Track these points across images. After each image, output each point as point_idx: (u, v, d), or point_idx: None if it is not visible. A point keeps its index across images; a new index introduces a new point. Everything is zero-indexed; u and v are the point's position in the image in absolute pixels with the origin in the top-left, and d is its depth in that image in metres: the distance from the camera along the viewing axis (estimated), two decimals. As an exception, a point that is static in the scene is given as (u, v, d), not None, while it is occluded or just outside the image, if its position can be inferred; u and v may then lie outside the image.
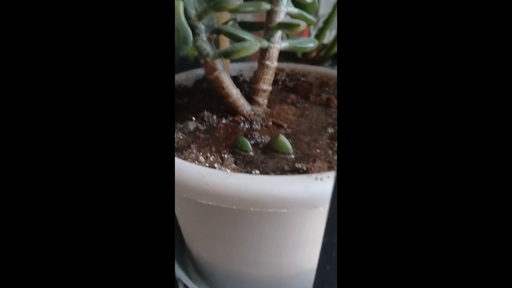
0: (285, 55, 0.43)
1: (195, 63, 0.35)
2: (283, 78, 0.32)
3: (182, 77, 0.31)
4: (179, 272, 0.27)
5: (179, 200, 0.22)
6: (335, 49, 0.42)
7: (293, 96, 0.29)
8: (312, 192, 0.15)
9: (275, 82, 0.32)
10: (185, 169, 0.17)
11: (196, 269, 0.29)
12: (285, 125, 0.24)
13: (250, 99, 0.26)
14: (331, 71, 0.33)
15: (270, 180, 0.16)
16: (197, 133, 0.23)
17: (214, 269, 0.26)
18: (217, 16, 0.32)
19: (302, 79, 0.32)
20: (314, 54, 0.46)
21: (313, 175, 0.16)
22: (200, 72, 0.32)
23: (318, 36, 0.40)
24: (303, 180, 0.15)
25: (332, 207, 0.12)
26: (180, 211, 0.25)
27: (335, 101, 0.27)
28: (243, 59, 0.31)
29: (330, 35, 0.51)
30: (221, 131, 0.23)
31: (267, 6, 0.22)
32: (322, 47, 0.44)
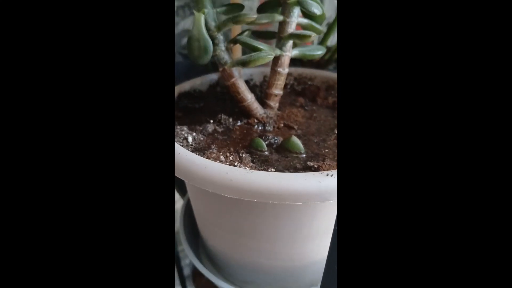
0: (292, 60, 0.45)
1: (208, 69, 0.37)
2: (291, 82, 0.34)
3: (197, 82, 0.33)
4: (196, 263, 0.29)
5: (201, 195, 0.24)
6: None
7: (301, 99, 0.31)
8: (324, 187, 0.17)
9: (284, 86, 0.34)
10: (210, 167, 0.19)
11: (211, 261, 0.31)
12: (295, 127, 0.26)
13: (263, 103, 0.28)
14: (335, 75, 0.35)
15: (286, 176, 0.18)
16: (215, 134, 0.25)
17: (230, 260, 0.28)
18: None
19: (309, 83, 0.34)
20: (319, 58, 0.48)
21: (325, 172, 0.18)
22: (213, 77, 0.34)
23: (323, 40, 0.42)
24: (316, 177, 0.17)
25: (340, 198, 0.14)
26: (200, 206, 0.27)
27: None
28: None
29: (333, 38, 0.53)
30: (237, 132, 0.25)
31: (280, 17, 0.24)
32: (326, 50, 0.46)
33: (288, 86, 0.34)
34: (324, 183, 0.17)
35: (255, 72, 0.36)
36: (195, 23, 0.22)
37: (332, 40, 0.48)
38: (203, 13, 0.22)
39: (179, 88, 0.31)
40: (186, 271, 0.87)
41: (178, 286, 0.90)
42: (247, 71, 0.36)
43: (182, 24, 0.59)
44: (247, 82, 0.34)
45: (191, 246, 0.30)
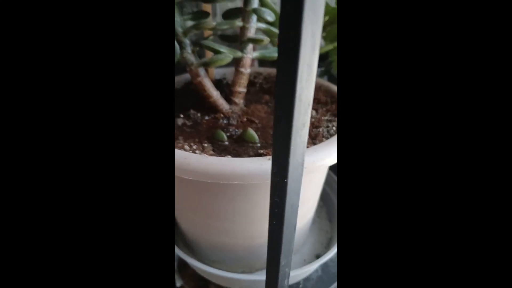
0: (268, 62, 0.48)
1: (182, 68, 0.40)
2: (260, 81, 0.38)
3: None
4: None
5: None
6: None
7: (267, 97, 0.34)
8: (266, 169, 0.20)
9: (253, 84, 0.37)
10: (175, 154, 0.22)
11: (185, 244, 0.34)
12: (256, 121, 0.29)
13: (229, 100, 0.31)
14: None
15: (234, 160, 0.21)
16: (184, 127, 0.28)
17: (199, 242, 0.31)
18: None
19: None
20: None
21: (267, 157, 0.21)
22: (188, 76, 0.37)
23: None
24: (259, 160, 0.21)
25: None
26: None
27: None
28: (227, 64, 0.36)
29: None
30: (204, 126, 0.28)
31: (239, 23, 0.27)
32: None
33: (257, 85, 0.37)
34: (266, 165, 0.20)
35: (228, 72, 0.39)
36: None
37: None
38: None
39: (155, 86, 0.34)
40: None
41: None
42: (220, 71, 0.39)
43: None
44: (219, 80, 0.38)
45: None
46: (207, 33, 0.35)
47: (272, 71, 0.39)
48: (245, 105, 0.32)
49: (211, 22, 0.25)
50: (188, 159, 0.21)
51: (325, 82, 0.36)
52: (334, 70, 0.42)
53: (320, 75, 0.47)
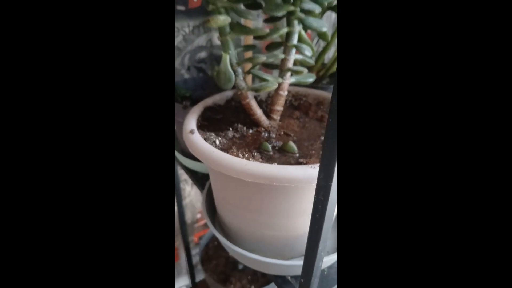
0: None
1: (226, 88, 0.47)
2: (290, 98, 0.44)
3: (217, 98, 0.42)
4: (216, 233, 0.38)
5: (223, 181, 0.33)
6: (332, 69, 0.53)
7: (297, 113, 0.41)
8: (309, 175, 0.27)
9: (284, 101, 0.44)
10: (234, 160, 0.28)
11: (225, 234, 0.41)
12: (292, 134, 0.36)
13: (268, 116, 0.37)
14: (325, 94, 0.44)
15: (284, 167, 0.27)
16: (234, 139, 0.34)
17: (241, 232, 0.37)
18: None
19: (304, 99, 0.44)
20: (314, 73, 0.57)
21: (309, 165, 0.27)
22: (229, 93, 0.44)
23: (318, 58, 0.51)
24: (303, 168, 0.27)
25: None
26: (220, 191, 0.36)
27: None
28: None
29: (327, 56, 0.62)
30: (250, 138, 0.35)
31: (282, 56, 0.34)
32: (321, 67, 0.56)
33: (287, 102, 0.44)
34: (308, 172, 0.27)
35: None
36: (222, 61, 0.32)
37: (327, 57, 0.57)
38: (228, 54, 0.32)
39: (204, 103, 0.41)
40: (195, 259, 0.97)
41: (186, 274, 0.99)
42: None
43: (197, 41, 0.69)
44: (255, 97, 0.44)
45: (212, 222, 0.40)
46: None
47: (300, 89, 0.45)
48: (280, 120, 0.38)
49: (261, 57, 0.31)
50: (248, 165, 0.27)
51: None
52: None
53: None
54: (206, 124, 0.37)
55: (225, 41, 0.31)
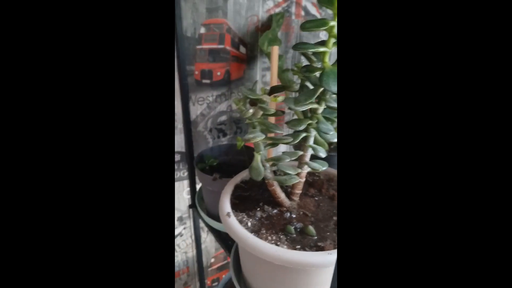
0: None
1: (242, 151, 0.55)
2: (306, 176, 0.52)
3: (244, 175, 0.50)
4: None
5: (251, 257, 0.40)
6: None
7: (312, 190, 0.48)
8: (327, 260, 0.34)
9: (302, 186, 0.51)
10: (266, 246, 0.35)
11: (251, 297, 0.47)
12: (309, 214, 0.43)
13: (289, 197, 0.45)
14: (333, 171, 0.52)
15: (306, 253, 0.34)
16: (262, 219, 0.42)
17: (266, 297, 0.44)
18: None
19: (317, 176, 0.52)
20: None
21: (326, 251, 0.35)
22: (253, 170, 0.52)
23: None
24: (322, 254, 0.34)
25: (335, 269, 0.31)
26: (248, 262, 0.43)
27: (336, 196, 0.46)
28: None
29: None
30: (274, 218, 0.42)
31: (300, 153, 0.42)
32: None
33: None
34: (326, 258, 0.34)
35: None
36: (255, 159, 0.40)
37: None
38: (260, 154, 0.40)
39: (234, 181, 0.49)
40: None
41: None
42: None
43: (219, 107, 0.79)
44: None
45: (237, 280, 0.46)
46: (271, 152, 0.50)
47: (313, 166, 0.53)
48: (299, 199, 0.46)
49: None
50: (278, 252, 0.35)
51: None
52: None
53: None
54: (237, 203, 0.45)
55: (257, 144, 0.40)
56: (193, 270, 0.97)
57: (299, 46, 0.29)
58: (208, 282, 1.04)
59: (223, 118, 0.80)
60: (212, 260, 1.01)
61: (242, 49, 0.73)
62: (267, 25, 0.73)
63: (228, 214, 0.41)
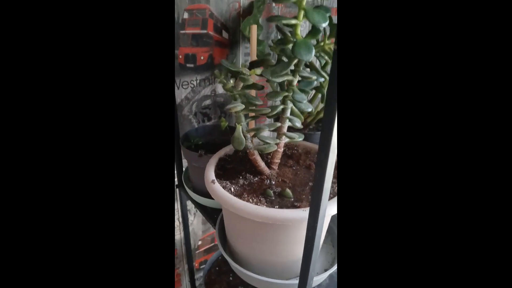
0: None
1: (226, 132, 0.58)
2: (284, 148, 0.56)
3: (227, 150, 0.54)
4: (227, 258, 0.48)
5: (235, 219, 0.44)
6: (319, 116, 0.66)
7: (290, 161, 0.52)
8: (301, 216, 0.38)
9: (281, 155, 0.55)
10: (247, 206, 0.39)
11: (234, 258, 0.50)
12: (287, 181, 0.47)
13: (268, 166, 0.48)
14: (312, 145, 0.56)
15: (283, 210, 0.38)
16: (244, 186, 0.45)
17: (248, 258, 0.47)
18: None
19: (295, 149, 0.56)
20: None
21: (301, 209, 0.38)
22: (236, 145, 0.55)
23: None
24: (297, 211, 0.38)
25: (309, 224, 0.34)
26: (232, 226, 0.46)
27: (313, 166, 0.50)
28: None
29: (314, 104, 0.75)
30: (255, 184, 0.46)
31: (278, 125, 0.45)
32: (308, 115, 0.68)
33: (283, 152, 0.55)
34: (301, 214, 0.38)
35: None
36: (237, 130, 0.43)
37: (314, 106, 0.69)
38: (241, 125, 0.43)
39: (218, 155, 0.52)
40: (198, 282, 1.04)
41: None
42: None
43: (203, 91, 0.82)
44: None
45: (223, 249, 0.50)
46: (252, 123, 0.53)
47: (291, 141, 0.57)
48: (278, 168, 0.49)
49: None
50: (258, 210, 0.38)
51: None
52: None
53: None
54: (222, 174, 0.48)
55: (238, 116, 0.43)
56: (181, 253, 1.00)
57: (273, 18, 0.32)
58: (196, 264, 1.07)
59: (208, 102, 0.83)
60: (200, 242, 1.04)
61: (225, 34, 0.76)
62: (248, 11, 0.75)
63: (213, 181, 0.44)
